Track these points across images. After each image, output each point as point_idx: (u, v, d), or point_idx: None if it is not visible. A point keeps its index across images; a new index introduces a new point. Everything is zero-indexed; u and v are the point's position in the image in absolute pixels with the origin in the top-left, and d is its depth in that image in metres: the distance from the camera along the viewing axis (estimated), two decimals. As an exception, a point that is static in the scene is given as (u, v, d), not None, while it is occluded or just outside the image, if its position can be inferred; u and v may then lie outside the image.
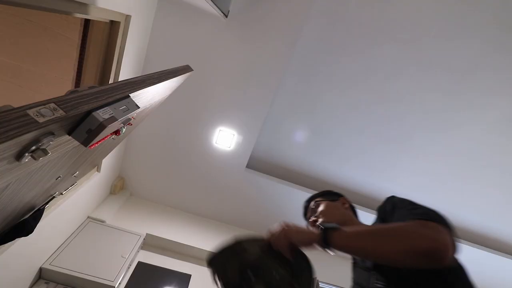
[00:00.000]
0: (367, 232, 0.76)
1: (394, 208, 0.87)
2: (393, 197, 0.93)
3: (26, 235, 1.12)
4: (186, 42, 2.40)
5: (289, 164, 3.04)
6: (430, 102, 2.67)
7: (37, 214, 1.14)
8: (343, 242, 0.77)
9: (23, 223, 1.08)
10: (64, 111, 0.55)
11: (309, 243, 0.82)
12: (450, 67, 2.52)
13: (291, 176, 3.06)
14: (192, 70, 1.28)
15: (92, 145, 0.71)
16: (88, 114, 0.64)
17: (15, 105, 0.50)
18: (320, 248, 0.80)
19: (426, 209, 0.81)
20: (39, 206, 1.15)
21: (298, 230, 0.83)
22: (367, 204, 3.12)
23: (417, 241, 0.67)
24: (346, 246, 0.76)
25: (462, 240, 3.19)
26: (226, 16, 2.28)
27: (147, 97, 0.97)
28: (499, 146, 2.82)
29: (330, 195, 1.19)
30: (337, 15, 2.41)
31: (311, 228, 1.03)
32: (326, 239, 0.78)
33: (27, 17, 2.07)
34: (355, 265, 1.00)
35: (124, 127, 0.88)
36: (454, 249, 0.68)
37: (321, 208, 1.12)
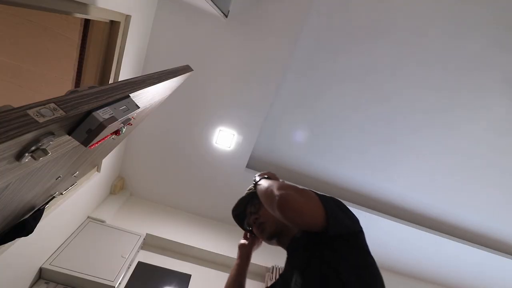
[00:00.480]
0: (270, 183, 0.92)
1: None
2: None
3: (26, 235, 1.12)
4: (186, 42, 2.40)
5: (289, 164, 3.04)
6: (430, 101, 2.67)
7: (37, 214, 1.14)
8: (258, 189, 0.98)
9: (23, 223, 1.08)
10: (64, 111, 0.55)
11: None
12: (450, 66, 2.52)
13: (291, 176, 3.06)
14: (192, 70, 1.28)
15: (92, 145, 0.71)
16: (88, 114, 0.64)
17: (15, 105, 0.50)
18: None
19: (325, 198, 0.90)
20: (39, 206, 1.15)
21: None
22: (367, 204, 3.12)
23: (273, 196, 0.82)
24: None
25: (462, 240, 3.20)
26: (226, 16, 2.28)
27: (147, 97, 0.97)
28: (499, 146, 2.82)
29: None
30: (336, 15, 2.41)
31: (255, 229, 1.10)
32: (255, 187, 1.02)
33: (27, 17, 2.07)
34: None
35: (124, 127, 0.88)
36: (295, 207, 0.78)
37: (262, 209, 1.11)
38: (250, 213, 1.12)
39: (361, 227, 0.88)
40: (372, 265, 0.84)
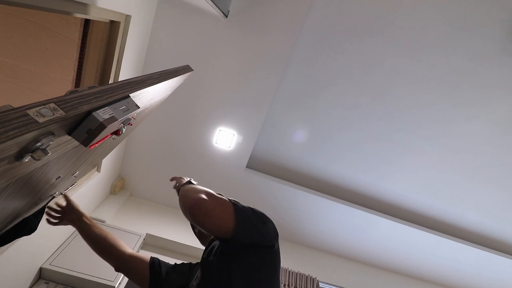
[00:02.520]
0: (188, 189, 0.90)
1: None
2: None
3: (29, 233, 1.12)
4: (186, 42, 2.40)
5: (289, 164, 3.04)
6: (430, 100, 2.67)
7: (37, 213, 1.14)
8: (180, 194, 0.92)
9: (25, 222, 1.08)
10: (64, 111, 0.55)
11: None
12: (450, 65, 2.52)
13: (291, 176, 3.06)
14: (192, 70, 1.27)
15: (92, 145, 0.71)
16: (88, 114, 0.64)
17: (15, 105, 0.50)
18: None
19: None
20: (40, 206, 1.15)
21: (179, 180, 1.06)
22: (366, 204, 3.12)
23: (187, 199, 0.83)
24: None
25: (461, 240, 3.20)
26: (226, 16, 2.28)
27: (147, 97, 0.97)
28: (499, 145, 2.82)
29: None
30: (336, 14, 2.41)
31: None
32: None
33: (27, 17, 2.07)
34: None
35: (124, 127, 0.87)
36: (205, 214, 0.78)
37: None
38: None
39: (273, 244, 0.88)
40: (269, 284, 0.85)
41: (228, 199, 0.84)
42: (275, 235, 0.89)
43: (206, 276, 0.86)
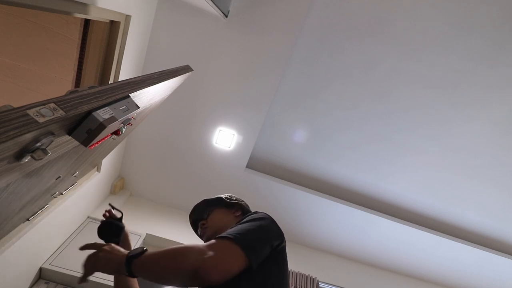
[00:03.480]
0: (158, 254, 0.75)
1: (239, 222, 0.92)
2: (255, 212, 0.99)
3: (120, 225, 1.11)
4: (186, 42, 2.41)
5: (289, 164, 3.04)
6: (430, 100, 2.67)
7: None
8: (138, 269, 0.75)
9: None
10: (64, 111, 0.55)
11: (116, 272, 0.82)
12: (450, 65, 2.52)
13: (291, 176, 3.06)
14: (192, 70, 1.28)
15: (92, 145, 0.71)
16: (88, 114, 0.64)
17: (15, 105, 0.50)
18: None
19: (240, 229, 0.83)
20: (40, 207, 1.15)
21: (106, 262, 0.81)
22: (366, 203, 3.12)
23: (184, 263, 0.71)
24: (142, 272, 0.74)
25: (461, 240, 3.20)
26: (226, 16, 2.28)
27: (147, 97, 0.97)
28: (499, 145, 2.82)
29: (224, 202, 1.21)
30: (336, 15, 2.41)
31: (200, 231, 1.15)
32: (130, 268, 0.75)
33: (27, 17, 2.07)
34: None
35: (124, 127, 0.88)
36: (219, 270, 0.70)
37: (212, 214, 1.16)
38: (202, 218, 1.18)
39: (281, 240, 0.87)
40: (276, 278, 0.84)
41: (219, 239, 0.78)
42: (280, 233, 0.89)
43: None
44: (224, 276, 0.71)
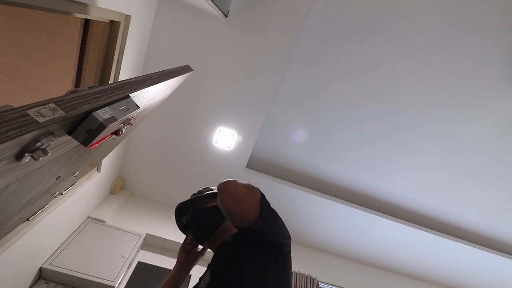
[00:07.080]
0: None
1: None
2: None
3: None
4: (186, 42, 2.41)
5: (289, 164, 3.04)
6: (430, 100, 2.67)
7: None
8: None
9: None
10: (64, 111, 0.55)
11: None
12: (450, 65, 2.52)
13: (291, 176, 3.06)
14: (192, 70, 1.28)
15: (92, 145, 0.71)
16: (88, 114, 0.64)
17: (15, 105, 0.50)
18: None
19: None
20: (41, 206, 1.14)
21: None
22: (366, 203, 3.12)
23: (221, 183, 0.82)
24: None
25: (461, 240, 3.20)
26: (226, 16, 2.28)
27: (147, 97, 0.97)
28: (499, 145, 2.82)
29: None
30: (336, 15, 2.41)
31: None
32: None
33: (27, 17, 2.07)
34: None
35: (124, 127, 0.88)
36: (237, 193, 0.81)
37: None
38: (194, 209, 1.09)
39: (288, 244, 0.89)
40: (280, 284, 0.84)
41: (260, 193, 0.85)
42: (289, 236, 0.90)
43: (216, 278, 0.84)
44: (234, 202, 0.79)
